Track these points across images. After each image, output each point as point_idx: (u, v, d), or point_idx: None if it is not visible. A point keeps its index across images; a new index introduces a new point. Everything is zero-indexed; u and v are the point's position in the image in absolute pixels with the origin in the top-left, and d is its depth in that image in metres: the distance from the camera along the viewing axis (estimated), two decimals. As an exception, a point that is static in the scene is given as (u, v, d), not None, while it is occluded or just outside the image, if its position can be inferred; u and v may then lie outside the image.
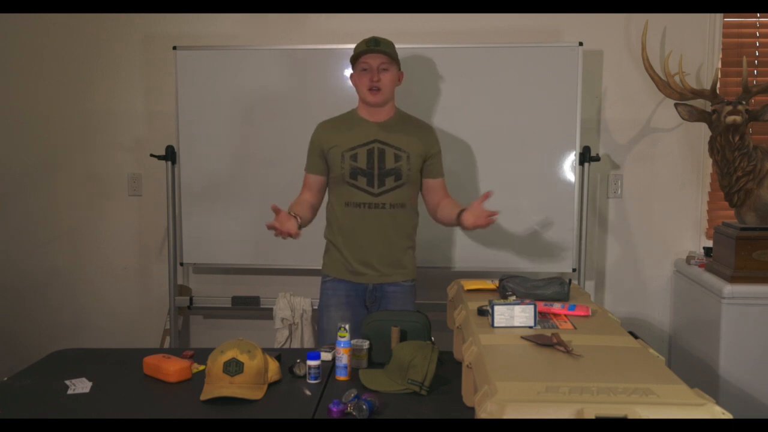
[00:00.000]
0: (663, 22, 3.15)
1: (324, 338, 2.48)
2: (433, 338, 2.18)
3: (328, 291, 2.52)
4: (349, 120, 2.48)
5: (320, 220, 2.53)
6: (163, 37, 3.28)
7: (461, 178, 3.07)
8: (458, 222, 2.36)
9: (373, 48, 2.35)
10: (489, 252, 3.11)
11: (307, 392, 1.95)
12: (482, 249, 3.11)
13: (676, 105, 2.88)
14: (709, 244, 3.19)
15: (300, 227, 2.31)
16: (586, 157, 3.05)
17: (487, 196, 2.31)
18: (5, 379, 2.07)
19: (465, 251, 3.13)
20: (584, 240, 3.10)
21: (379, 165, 2.40)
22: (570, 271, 3.09)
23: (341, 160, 2.41)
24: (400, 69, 2.46)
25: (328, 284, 2.52)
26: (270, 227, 2.25)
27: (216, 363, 1.90)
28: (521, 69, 3.02)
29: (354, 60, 2.40)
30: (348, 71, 3.03)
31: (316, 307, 3.19)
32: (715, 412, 1.36)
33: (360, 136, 2.43)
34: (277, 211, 2.25)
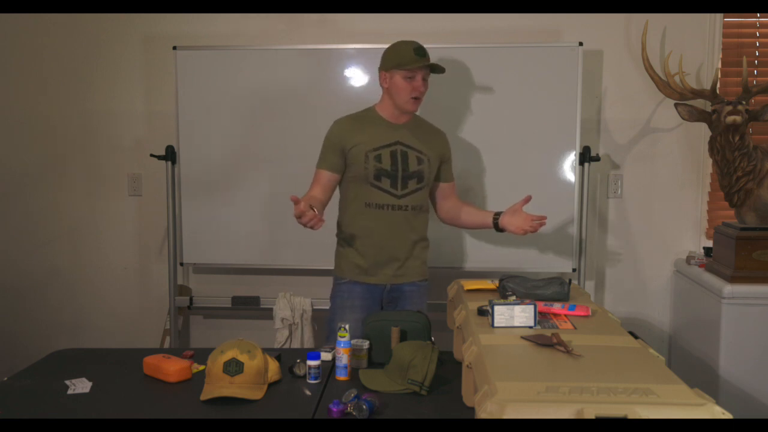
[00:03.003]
0: (663, 22, 3.15)
1: (333, 340, 2.40)
2: (433, 338, 2.18)
3: (343, 294, 2.49)
4: (370, 119, 2.45)
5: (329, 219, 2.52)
6: (163, 37, 3.28)
7: (461, 179, 3.06)
8: (495, 227, 2.45)
9: (427, 63, 2.34)
10: (489, 252, 3.11)
11: (307, 392, 1.95)
12: (482, 249, 3.11)
13: (676, 105, 2.88)
14: (709, 244, 3.19)
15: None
16: (586, 157, 3.05)
17: (527, 200, 2.40)
18: (5, 379, 2.07)
19: (465, 251, 3.12)
20: (584, 240, 3.10)
21: (403, 167, 2.40)
22: (570, 271, 3.10)
23: (365, 159, 2.38)
24: None
25: (343, 287, 2.49)
26: (299, 213, 2.14)
27: (216, 363, 1.90)
28: (521, 69, 3.02)
29: (399, 65, 2.34)
30: (350, 71, 3.04)
31: (316, 307, 3.21)
32: (715, 412, 1.36)
33: (383, 136, 2.41)
34: (296, 201, 2.15)
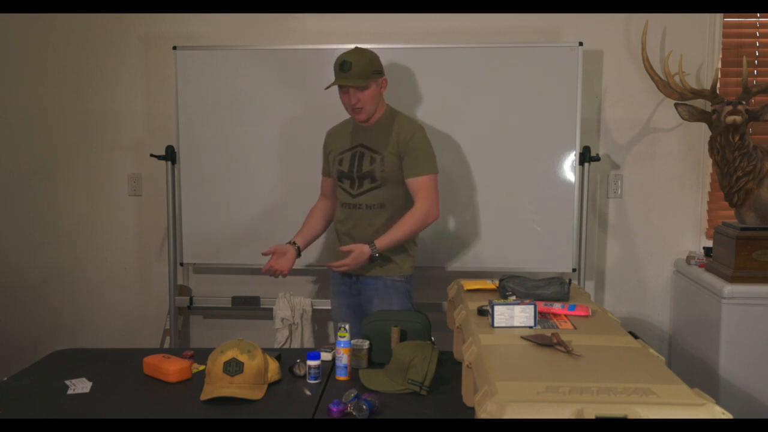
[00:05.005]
0: (663, 22, 3.15)
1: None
2: (433, 338, 2.18)
3: (332, 277, 2.68)
4: (347, 125, 2.61)
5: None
6: (163, 37, 3.28)
7: (461, 179, 3.07)
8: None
9: (342, 79, 2.40)
10: (489, 252, 3.11)
11: (307, 392, 1.96)
12: (482, 249, 3.11)
13: (676, 105, 2.88)
14: (709, 244, 3.19)
15: (305, 246, 2.63)
16: (586, 157, 3.05)
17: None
18: (5, 379, 2.07)
19: (465, 251, 3.12)
20: (584, 240, 3.10)
21: (358, 168, 2.50)
22: (570, 271, 3.09)
23: (333, 163, 2.59)
24: (382, 75, 2.48)
25: (332, 272, 2.64)
26: (265, 271, 2.54)
27: (216, 363, 1.90)
28: (521, 69, 3.02)
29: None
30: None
31: (316, 307, 3.22)
32: (715, 412, 1.36)
33: (349, 141, 2.56)
34: (268, 254, 2.53)
